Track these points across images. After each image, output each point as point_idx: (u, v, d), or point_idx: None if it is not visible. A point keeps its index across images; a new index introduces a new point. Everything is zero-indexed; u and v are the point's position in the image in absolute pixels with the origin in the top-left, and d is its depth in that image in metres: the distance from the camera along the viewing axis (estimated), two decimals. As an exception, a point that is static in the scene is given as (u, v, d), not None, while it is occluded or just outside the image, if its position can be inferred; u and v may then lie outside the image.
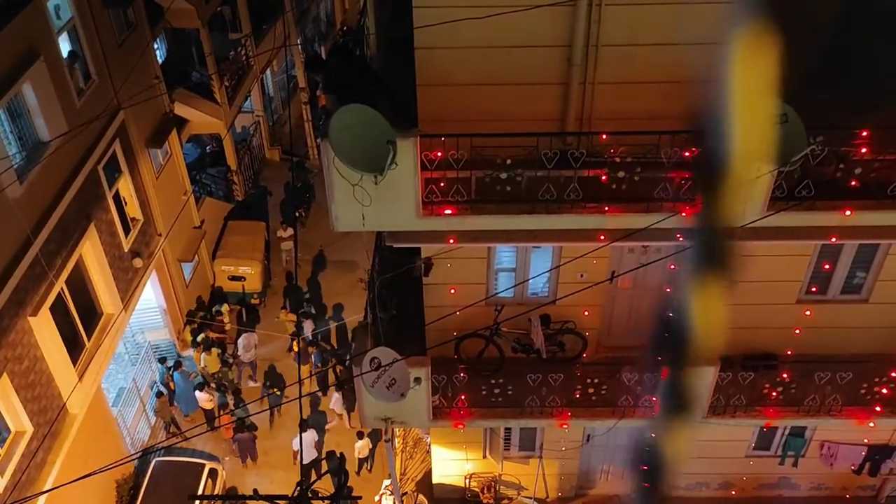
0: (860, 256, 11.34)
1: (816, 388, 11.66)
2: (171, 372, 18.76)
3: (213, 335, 20.15)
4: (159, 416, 18.78)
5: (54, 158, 13.90)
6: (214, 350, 19.62)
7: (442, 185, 9.39)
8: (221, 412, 18.84)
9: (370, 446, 17.78)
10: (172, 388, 18.87)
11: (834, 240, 10.15)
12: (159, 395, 18.53)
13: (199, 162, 24.48)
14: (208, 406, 18.71)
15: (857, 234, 10.16)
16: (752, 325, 10.78)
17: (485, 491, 14.48)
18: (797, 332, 11.67)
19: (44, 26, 13.88)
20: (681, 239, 9.73)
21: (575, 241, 10.09)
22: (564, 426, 12.14)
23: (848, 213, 9.46)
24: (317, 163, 24.97)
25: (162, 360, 19.03)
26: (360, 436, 17.42)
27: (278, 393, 18.92)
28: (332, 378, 19.34)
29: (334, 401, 18.10)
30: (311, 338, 19.62)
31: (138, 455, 17.38)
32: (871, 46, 9.28)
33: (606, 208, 9.55)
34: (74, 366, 14.91)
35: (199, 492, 16.62)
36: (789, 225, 9.13)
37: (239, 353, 19.72)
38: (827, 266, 11.42)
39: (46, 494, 12.75)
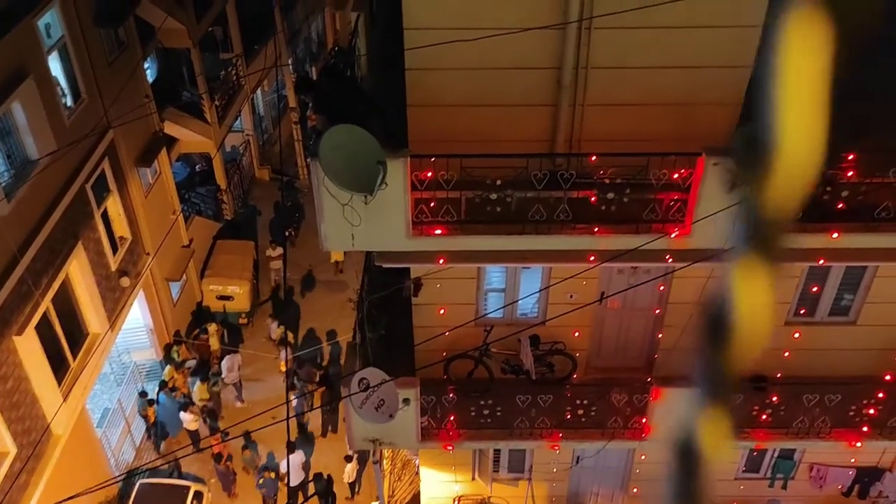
0: (848, 279, 11.41)
1: (805, 410, 11.67)
2: (147, 400, 18.37)
3: (186, 354, 19.98)
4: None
5: (42, 177, 13.84)
6: (214, 326, 19.70)
7: (432, 205, 9.39)
8: (209, 434, 18.66)
9: (357, 468, 17.62)
10: (152, 419, 18.55)
11: (821, 262, 10.21)
12: (143, 395, 18.38)
13: (189, 181, 24.45)
14: (193, 427, 18.52)
15: (845, 257, 10.22)
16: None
17: (474, 513, 14.37)
18: (786, 354, 11.70)
19: (34, 45, 13.88)
20: (670, 260, 9.78)
21: (564, 262, 10.10)
22: (554, 448, 12.09)
23: (835, 235, 9.52)
24: (307, 182, 24.97)
25: (143, 394, 18.63)
26: (349, 459, 17.26)
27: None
28: (317, 400, 19.18)
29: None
30: (296, 364, 19.50)
31: (122, 477, 17.15)
32: (856, 71, 9.40)
33: (596, 229, 9.57)
34: (59, 386, 14.76)
35: (184, 514, 16.41)
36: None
37: (223, 376, 19.53)
38: (815, 288, 11.48)
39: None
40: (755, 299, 0.92)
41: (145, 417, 18.56)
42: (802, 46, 0.83)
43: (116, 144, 16.85)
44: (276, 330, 20.32)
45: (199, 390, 19.03)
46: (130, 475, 17.49)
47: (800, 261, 10.39)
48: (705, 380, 0.97)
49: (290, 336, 20.36)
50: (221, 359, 19.99)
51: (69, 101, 15.45)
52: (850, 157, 9.23)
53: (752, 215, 0.88)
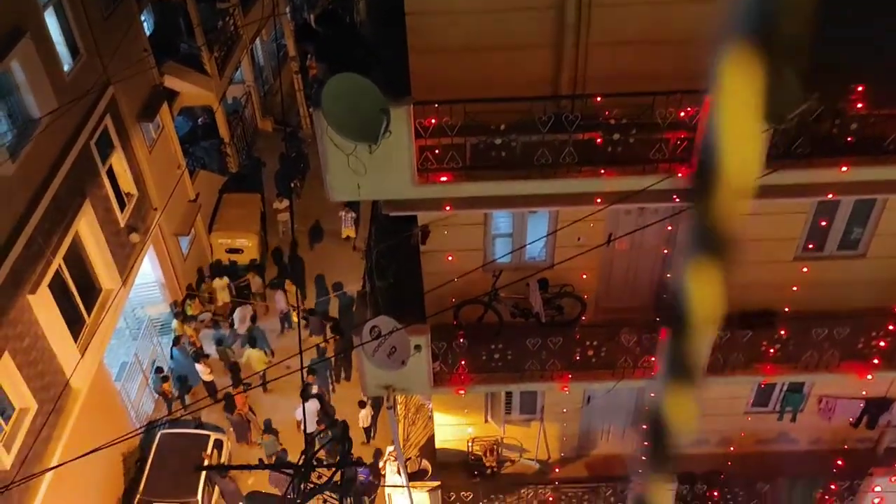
0: (857, 212, 11.34)
1: (814, 344, 11.74)
2: (162, 377, 18.50)
3: (198, 308, 20.13)
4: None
5: (46, 135, 13.80)
6: (223, 280, 19.77)
7: (437, 152, 9.34)
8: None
9: (372, 414, 17.93)
10: (169, 394, 18.65)
11: (831, 196, 10.15)
12: (158, 370, 18.58)
13: (192, 135, 24.30)
14: (208, 378, 18.82)
15: (854, 190, 10.15)
16: (749, 283, 10.80)
17: (487, 454, 14.64)
18: (795, 288, 11.72)
19: (29, 2, 13.68)
20: (677, 200, 9.73)
21: (571, 205, 10.07)
22: (565, 389, 12.24)
23: (844, 169, 9.44)
24: (310, 132, 24.79)
25: (158, 371, 18.71)
26: (362, 405, 17.56)
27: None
28: (330, 350, 19.42)
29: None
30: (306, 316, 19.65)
31: (143, 429, 17.53)
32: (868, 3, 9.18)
33: (602, 171, 9.51)
34: (76, 342, 14.97)
35: (205, 462, 16.80)
36: (786, 183, 9.11)
37: (235, 327, 19.76)
38: (824, 222, 11.43)
39: (54, 470, 12.86)
40: (706, 295, 0.99)
41: (161, 394, 18.59)
42: (737, 80, 0.91)
43: (117, 100, 16.73)
44: (282, 301, 20.33)
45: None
46: (151, 426, 17.87)
47: (809, 196, 10.33)
48: (671, 363, 1.04)
49: (293, 290, 20.43)
50: (232, 312, 20.20)
51: (68, 58, 15.29)
52: (859, 89, 9.09)
53: (701, 225, 0.95)
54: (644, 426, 1.07)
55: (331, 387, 19.45)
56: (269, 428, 17.80)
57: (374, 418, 18.24)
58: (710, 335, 1.01)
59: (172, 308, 20.07)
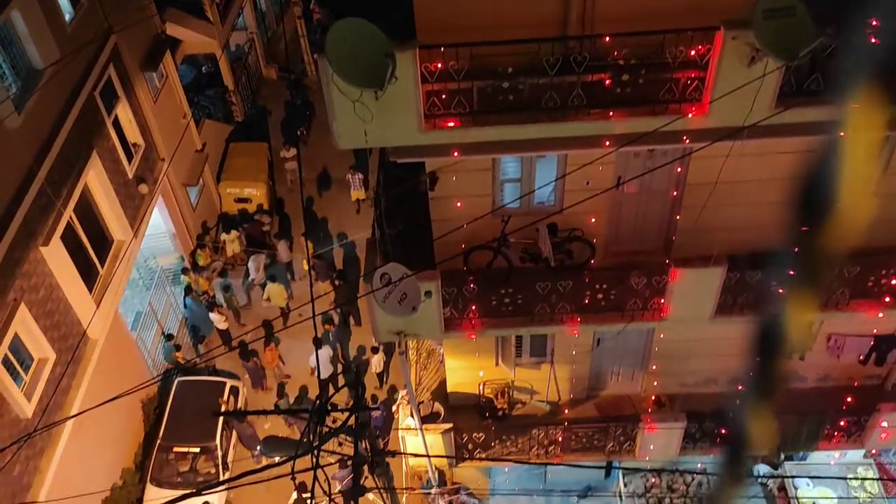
0: (869, 150, 11.20)
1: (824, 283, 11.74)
2: (175, 346, 18.43)
3: (209, 258, 20.20)
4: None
5: (50, 87, 13.70)
6: (234, 233, 19.90)
7: (443, 97, 9.23)
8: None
9: (384, 360, 18.14)
10: (182, 360, 18.51)
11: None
12: (169, 337, 18.58)
13: (196, 84, 24.08)
14: (223, 326, 19.03)
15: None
16: (761, 223, 10.73)
17: (498, 397, 14.84)
18: (804, 228, 11.66)
19: (25, -51, 13.42)
20: (687, 141, 9.62)
21: (580, 149, 9.98)
22: (574, 332, 12.33)
23: (875, 133, 9.27)
24: (315, 79, 24.52)
25: (169, 337, 18.56)
26: (375, 350, 17.76)
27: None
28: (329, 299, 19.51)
29: (374, 363, 18.23)
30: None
31: (160, 377, 17.82)
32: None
33: (611, 113, 9.39)
34: (90, 293, 15.14)
35: (223, 408, 17.13)
36: (799, 121, 8.98)
37: (252, 276, 19.86)
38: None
39: (75, 418, 13.14)
40: (802, 324, 0.99)
41: (174, 363, 18.40)
42: (860, 130, 0.90)
43: (120, 49, 16.54)
44: (285, 251, 20.32)
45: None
46: (167, 375, 18.17)
47: (823, 133, 10.18)
48: (758, 384, 1.04)
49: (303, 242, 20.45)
50: (247, 261, 20.29)
51: (68, 8, 15.07)
52: (874, 22, 8.86)
53: (808, 254, 0.95)
54: (724, 437, 1.08)
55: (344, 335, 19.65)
56: (246, 350, 18.07)
57: (387, 364, 18.47)
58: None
59: (181, 261, 20.15)
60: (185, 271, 19.80)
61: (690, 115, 9.34)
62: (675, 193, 11.59)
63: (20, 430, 12.62)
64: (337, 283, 19.21)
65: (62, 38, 14.22)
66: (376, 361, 17.94)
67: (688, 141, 9.66)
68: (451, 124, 9.41)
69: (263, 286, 19.83)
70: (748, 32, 8.45)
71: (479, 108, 9.37)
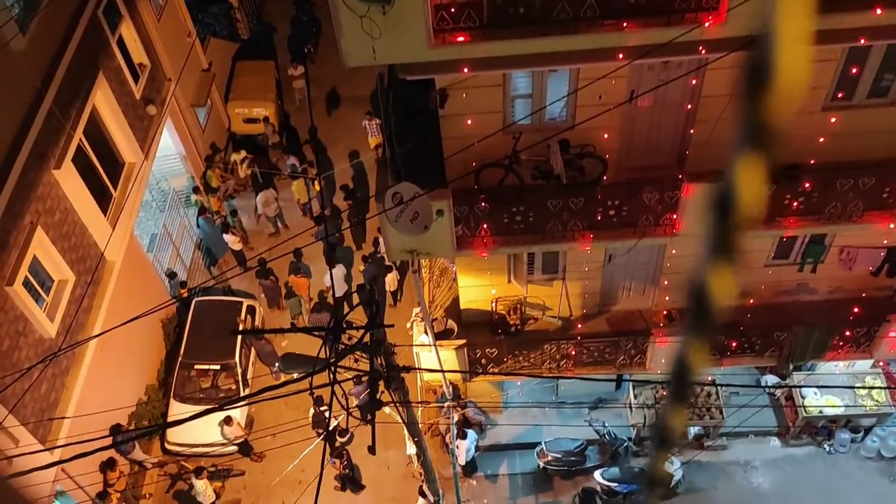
0: (889, 58, 10.91)
1: (838, 196, 11.64)
2: (181, 282, 18.37)
3: (214, 179, 20.15)
4: None
5: (53, 7, 13.45)
6: (243, 153, 19.99)
7: (452, 10, 9.01)
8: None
9: (398, 278, 18.32)
10: (185, 296, 18.34)
11: (863, 42, 9.73)
12: (172, 275, 18.37)
13: (199, 1, 23.52)
14: (237, 247, 19.20)
15: (887, 34, 9.71)
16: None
17: (511, 313, 15.03)
18: (821, 140, 11.49)
19: None
20: (703, 52, 9.40)
21: (592, 62, 9.78)
22: (586, 248, 12.37)
23: (879, 11, 8.99)
24: (321, -7, 23.90)
25: (172, 275, 18.23)
26: (389, 269, 17.92)
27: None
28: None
29: (388, 281, 18.29)
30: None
31: (179, 299, 18.10)
32: None
33: (625, 24, 9.16)
34: (105, 215, 15.26)
35: (240, 327, 17.47)
36: (823, 27, 8.72)
37: (260, 211, 19.81)
38: (854, 70, 11.03)
39: (97, 338, 13.46)
40: (750, 186, 1.00)
41: (179, 298, 18.13)
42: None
43: (121, -34, 16.14)
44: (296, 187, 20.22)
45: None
46: (188, 290, 18.45)
47: (840, 42, 9.91)
48: (714, 243, 1.06)
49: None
50: (255, 190, 20.24)
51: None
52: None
53: (751, 121, 0.94)
54: (686, 295, 1.12)
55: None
56: (291, 293, 18.25)
57: (401, 282, 18.67)
58: (750, 221, 1.03)
59: (192, 182, 20.14)
60: (195, 191, 19.85)
61: (707, 25, 9.10)
62: (689, 107, 11.40)
63: (45, 349, 12.97)
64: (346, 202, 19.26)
65: (61, -45, 13.86)
66: (390, 280, 18.12)
67: (704, 52, 9.44)
68: (461, 39, 9.22)
69: (275, 220, 19.78)
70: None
71: (489, 22, 9.16)
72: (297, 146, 21.57)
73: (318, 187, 19.45)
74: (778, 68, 0.91)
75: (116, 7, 16.10)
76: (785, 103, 0.94)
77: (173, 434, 16.57)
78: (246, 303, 18.26)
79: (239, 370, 17.22)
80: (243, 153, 20.70)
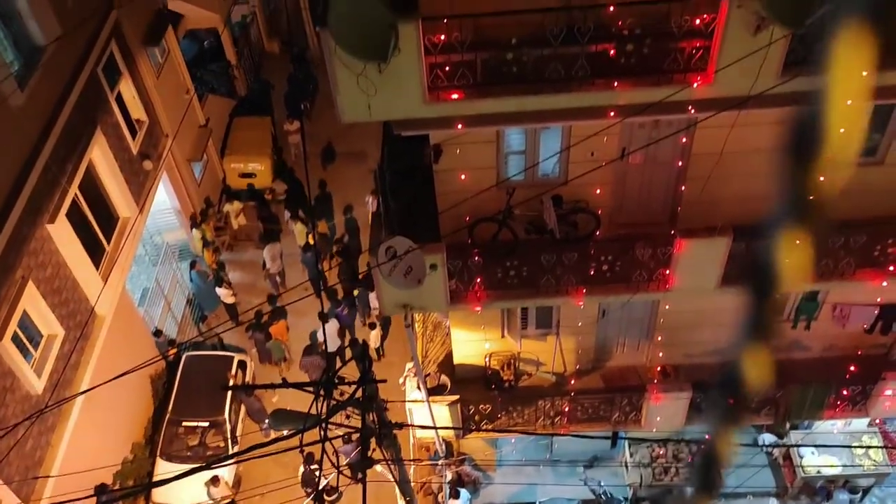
0: (876, 118, 11.13)
1: (830, 253, 11.72)
2: (168, 341, 18.08)
3: (208, 232, 20.15)
4: None
5: (52, 64, 13.67)
6: (237, 203, 20.13)
7: (447, 69, 9.19)
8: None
9: (381, 334, 18.22)
10: (172, 357, 18.10)
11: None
12: (157, 333, 18.08)
13: (198, 58, 23.95)
14: (230, 300, 19.11)
15: (874, 95, 9.92)
16: (765, 193, 10.77)
17: (505, 368, 14.93)
18: (810, 197, 11.62)
19: (23, -77, 13.31)
20: (693, 111, 9.58)
21: (584, 119, 9.94)
22: (580, 303, 12.37)
23: (864, 73, 9.19)
24: (318, 53, 24.36)
25: (157, 333, 17.92)
26: (373, 326, 17.83)
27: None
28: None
29: (372, 337, 18.33)
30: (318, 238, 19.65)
31: (170, 347, 17.93)
32: None
33: (616, 83, 9.35)
34: (97, 269, 15.22)
35: (231, 382, 17.27)
36: (805, 90, 8.91)
37: (266, 266, 19.78)
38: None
39: (84, 394, 13.28)
40: (795, 262, 0.98)
41: (167, 358, 17.97)
42: (849, 57, 0.89)
43: (122, 24, 16.45)
44: (296, 228, 20.27)
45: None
46: (176, 347, 18.28)
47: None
48: (751, 323, 1.02)
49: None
50: (263, 241, 20.20)
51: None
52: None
53: (796, 193, 0.93)
54: (717, 381, 1.06)
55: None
56: (274, 302, 18.10)
57: (384, 338, 18.60)
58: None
59: (193, 221, 20.04)
60: (193, 221, 19.76)
61: (695, 85, 9.29)
62: (680, 164, 11.55)
63: (31, 405, 12.77)
64: (336, 258, 19.28)
65: (63, 14, 14.14)
66: (374, 336, 18.03)
67: (693, 111, 9.62)
68: (455, 96, 9.38)
69: (281, 275, 19.72)
70: (754, 0, 8.37)
71: (483, 80, 9.33)
72: (302, 197, 21.58)
73: (311, 240, 19.47)
74: (830, 129, 0.89)
75: (116, 65, 16.36)
76: (836, 168, 0.92)
77: (159, 494, 16.21)
78: (237, 357, 18.10)
79: (228, 427, 16.96)
80: (236, 203, 20.77)
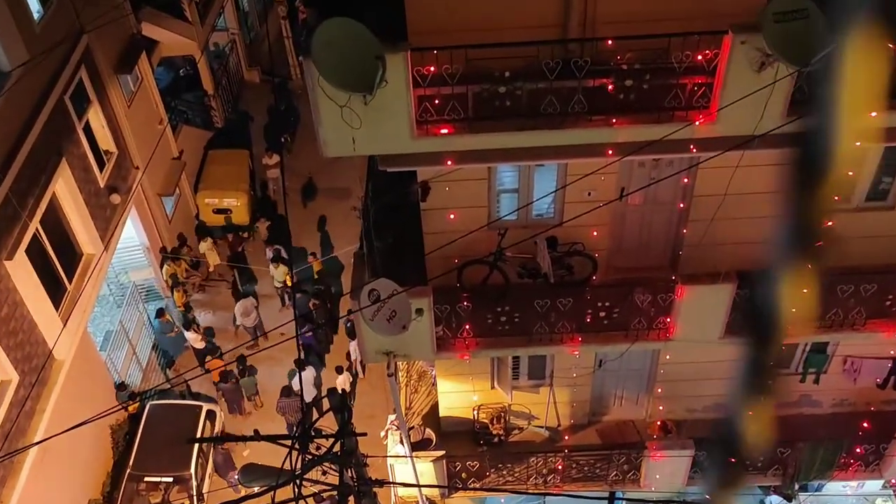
0: (887, 160, 11.28)
1: (839, 302, 11.77)
2: (129, 394, 17.76)
3: (180, 272, 20.06)
4: None
5: (17, 90, 13.70)
6: (209, 240, 20.10)
7: (436, 102, 9.27)
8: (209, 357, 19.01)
9: (350, 379, 18.05)
10: (133, 411, 17.92)
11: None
12: (121, 386, 17.87)
13: (174, 87, 24.14)
14: (199, 345, 18.93)
15: (886, 137, 10.08)
16: (770, 237, 10.83)
17: (494, 422, 14.80)
18: (819, 243, 11.70)
19: (-8, -56, 13.47)
20: (695, 150, 9.69)
21: (581, 157, 10.02)
22: (575, 352, 12.32)
23: (873, 114, 9.35)
24: (301, 83, 24.59)
25: (121, 387, 17.76)
26: (339, 370, 17.66)
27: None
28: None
29: (352, 349, 18.26)
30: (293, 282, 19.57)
31: (132, 401, 17.68)
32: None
33: (614, 120, 9.45)
34: (57, 310, 15.07)
35: (198, 434, 17.01)
36: (810, 128, 9.03)
37: (238, 323, 19.60)
38: (851, 172, 11.36)
39: (39, 445, 13.03)
40: (799, 300, 0.99)
41: (129, 413, 17.74)
42: (857, 97, 0.92)
43: (92, 50, 16.57)
44: (276, 271, 20.19)
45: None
46: (139, 398, 18.04)
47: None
48: (750, 369, 1.02)
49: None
50: (234, 297, 20.08)
51: (37, 6, 15.11)
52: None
53: (800, 223, 0.95)
54: (715, 436, 1.07)
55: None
56: (244, 365, 17.89)
57: (353, 384, 18.43)
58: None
59: (163, 258, 19.93)
60: (163, 254, 19.61)
61: (697, 123, 9.40)
62: (681, 206, 11.64)
63: (-20, 457, 12.52)
64: (315, 302, 19.18)
65: (31, 38, 14.24)
66: (342, 381, 17.87)
67: (695, 150, 9.72)
68: (445, 131, 9.44)
69: (254, 329, 19.53)
70: (758, 36, 8.53)
71: (474, 115, 9.41)
72: (285, 234, 21.54)
73: (290, 281, 19.42)
74: (835, 163, 0.92)
75: (85, 92, 16.43)
76: (839, 200, 0.94)
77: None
78: (205, 407, 17.86)
79: (194, 483, 16.65)
80: (210, 241, 20.70)
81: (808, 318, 0.93)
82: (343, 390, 17.94)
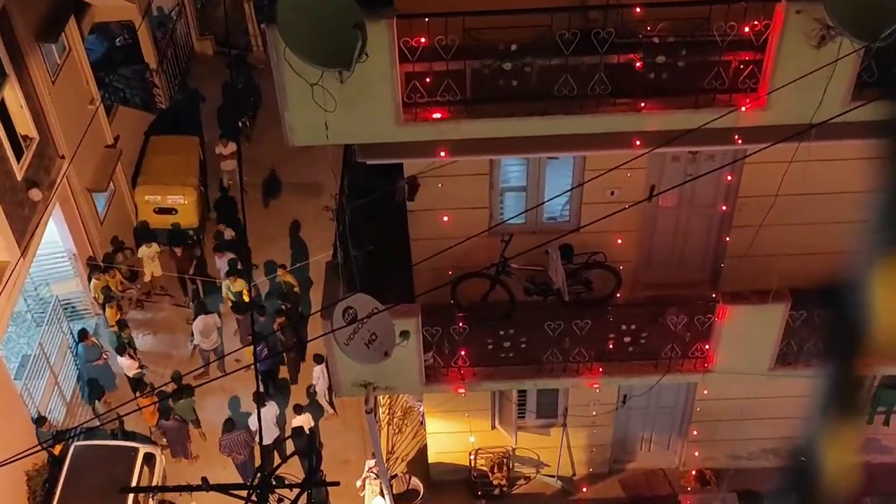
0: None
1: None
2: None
3: (114, 285, 19.98)
4: None
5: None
6: (154, 246, 19.96)
7: (428, 81, 9.30)
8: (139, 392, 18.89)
9: (311, 423, 17.91)
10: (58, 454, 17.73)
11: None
12: (41, 420, 17.69)
13: (108, 60, 24.12)
14: (135, 373, 18.81)
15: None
16: (831, 248, 10.85)
17: (494, 470, 14.81)
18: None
19: None
20: (740, 142, 9.72)
21: (602, 149, 10.06)
22: (594, 385, 12.34)
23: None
24: (263, 56, 24.59)
25: (40, 421, 17.49)
26: (298, 410, 17.54)
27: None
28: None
29: (316, 377, 18.18)
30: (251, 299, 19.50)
31: (53, 441, 17.61)
32: None
33: (643, 104, 9.49)
34: (-37, 330, 15.02)
35: (134, 482, 16.93)
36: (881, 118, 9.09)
37: (195, 342, 19.50)
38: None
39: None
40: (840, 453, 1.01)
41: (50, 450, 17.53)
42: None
43: (9, 13, 16.56)
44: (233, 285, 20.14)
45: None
46: (63, 438, 17.95)
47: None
48: (832, 394, 1.05)
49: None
50: (195, 317, 19.96)
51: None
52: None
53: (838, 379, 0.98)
54: (787, 470, 1.08)
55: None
56: (180, 384, 17.77)
57: (316, 425, 18.33)
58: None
59: (92, 268, 19.85)
60: (94, 268, 19.55)
61: (744, 109, 9.45)
62: (723, 209, 11.68)
63: None
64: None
65: (-66, -1, 14.24)
66: (303, 420, 17.77)
67: (740, 142, 9.76)
68: (437, 116, 9.47)
69: (209, 354, 19.42)
70: (817, 5, 8.58)
71: (473, 96, 9.44)
72: (243, 240, 21.45)
73: (247, 297, 19.36)
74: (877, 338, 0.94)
75: (0, 65, 16.43)
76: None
77: None
78: (143, 449, 17.78)
79: (128, 542, 16.59)
80: (154, 246, 20.61)
81: None
82: (311, 430, 18.00)
